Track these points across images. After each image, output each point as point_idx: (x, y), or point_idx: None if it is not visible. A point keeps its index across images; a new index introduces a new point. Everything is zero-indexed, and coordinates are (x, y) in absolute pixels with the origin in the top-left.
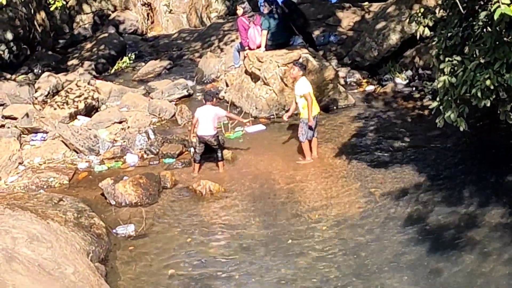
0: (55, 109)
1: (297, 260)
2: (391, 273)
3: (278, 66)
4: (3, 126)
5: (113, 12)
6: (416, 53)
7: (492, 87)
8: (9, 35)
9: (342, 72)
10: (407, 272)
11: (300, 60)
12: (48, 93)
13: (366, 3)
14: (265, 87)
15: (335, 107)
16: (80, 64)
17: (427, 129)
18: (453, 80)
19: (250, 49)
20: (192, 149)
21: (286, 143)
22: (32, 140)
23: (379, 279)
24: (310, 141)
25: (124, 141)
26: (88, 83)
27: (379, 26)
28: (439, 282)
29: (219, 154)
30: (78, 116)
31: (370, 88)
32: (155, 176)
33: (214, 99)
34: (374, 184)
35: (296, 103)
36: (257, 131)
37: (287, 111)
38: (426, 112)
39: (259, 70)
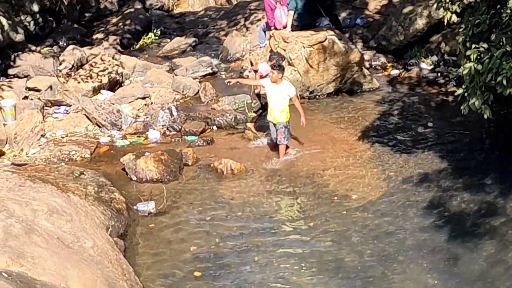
0: (79, 82)
1: (316, 243)
2: (411, 258)
3: (304, 47)
4: (26, 97)
5: None
6: (442, 38)
7: None
8: (35, 7)
9: (368, 55)
10: (426, 257)
11: (324, 43)
12: (73, 66)
13: None
14: (290, 67)
15: (359, 90)
16: (105, 38)
17: (451, 115)
18: (479, 67)
19: (276, 29)
20: (215, 127)
21: (310, 124)
22: (55, 112)
23: (399, 263)
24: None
25: (146, 117)
26: (113, 58)
27: (406, 10)
28: (458, 269)
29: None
30: (102, 91)
31: (395, 72)
32: (177, 153)
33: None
34: (396, 169)
35: (269, 106)
36: None
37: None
38: (450, 98)
39: (285, 50)
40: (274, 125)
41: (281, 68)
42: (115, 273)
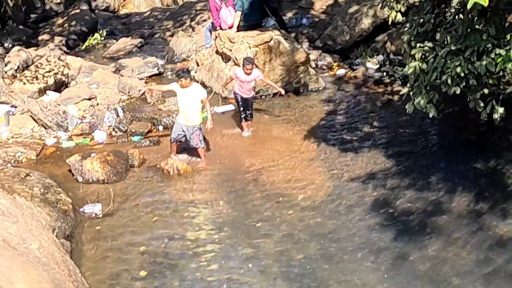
0: (24, 83)
1: (263, 242)
2: (357, 257)
3: (250, 47)
4: None
5: None
6: (388, 38)
7: (462, 74)
8: None
9: (313, 55)
10: (372, 257)
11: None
12: (18, 67)
13: None
14: (235, 67)
15: (305, 90)
16: (51, 39)
17: (397, 115)
18: (424, 66)
19: (221, 29)
20: (161, 127)
21: (256, 124)
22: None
23: (344, 263)
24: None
25: (92, 118)
26: (59, 59)
27: (351, 10)
28: (404, 268)
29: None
30: (48, 92)
31: (341, 72)
32: (123, 154)
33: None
34: (342, 168)
35: (181, 110)
36: (226, 111)
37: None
38: (396, 97)
39: (230, 50)
40: (186, 128)
41: (186, 74)
42: (62, 274)
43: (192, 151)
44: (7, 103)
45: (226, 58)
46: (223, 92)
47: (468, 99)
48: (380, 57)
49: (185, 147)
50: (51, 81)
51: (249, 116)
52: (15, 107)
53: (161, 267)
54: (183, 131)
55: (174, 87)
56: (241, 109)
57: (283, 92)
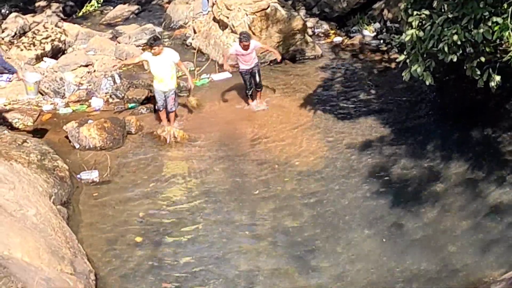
0: (21, 50)
1: (258, 209)
2: (352, 225)
3: (247, 15)
4: None
5: None
6: (385, 6)
7: (459, 42)
8: None
9: (310, 22)
10: (368, 224)
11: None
12: (15, 34)
13: None
14: (232, 35)
15: (302, 57)
16: (48, 6)
17: (393, 82)
18: (421, 34)
19: None
20: None
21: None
22: None
23: (340, 230)
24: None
25: (89, 85)
26: (56, 25)
27: None
28: (400, 236)
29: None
30: (45, 58)
31: (338, 39)
32: (120, 121)
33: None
34: (338, 135)
35: (157, 77)
36: (224, 78)
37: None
38: (392, 65)
39: (227, 18)
40: (164, 93)
41: (157, 41)
42: (58, 240)
43: (186, 119)
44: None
45: (223, 26)
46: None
47: (465, 67)
48: (377, 25)
49: (177, 114)
50: (48, 47)
51: (258, 87)
52: (13, 73)
53: (157, 233)
54: (165, 96)
55: (146, 57)
56: (248, 84)
57: (279, 57)
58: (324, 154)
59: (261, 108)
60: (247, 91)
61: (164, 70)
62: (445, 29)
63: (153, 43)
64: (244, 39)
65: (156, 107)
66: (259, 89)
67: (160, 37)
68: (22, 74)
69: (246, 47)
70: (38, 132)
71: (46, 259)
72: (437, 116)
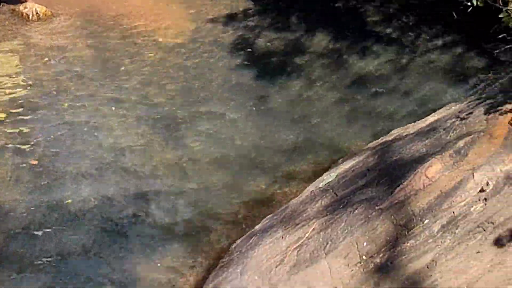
0: None
1: (123, 85)
2: (218, 98)
3: None
4: None
5: None
6: None
7: None
8: None
9: None
10: (234, 97)
11: None
12: None
13: None
14: None
15: None
16: None
17: None
18: None
19: None
20: None
21: None
22: None
23: (206, 104)
24: None
25: None
26: None
27: None
28: (266, 108)
29: None
30: None
31: None
32: None
33: None
34: (202, 9)
35: None
36: None
37: None
38: None
39: None
40: None
41: None
42: None
43: None
44: None
45: None
46: None
47: None
48: None
49: None
50: None
51: None
52: None
53: (22, 111)
54: None
55: None
56: None
57: None
58: (188, 27)
59: None
60: None
61: None
62: None
63: None
64: None
65: None
66: None
67: None
68: None
69: None
70: None
71: None
72: None
